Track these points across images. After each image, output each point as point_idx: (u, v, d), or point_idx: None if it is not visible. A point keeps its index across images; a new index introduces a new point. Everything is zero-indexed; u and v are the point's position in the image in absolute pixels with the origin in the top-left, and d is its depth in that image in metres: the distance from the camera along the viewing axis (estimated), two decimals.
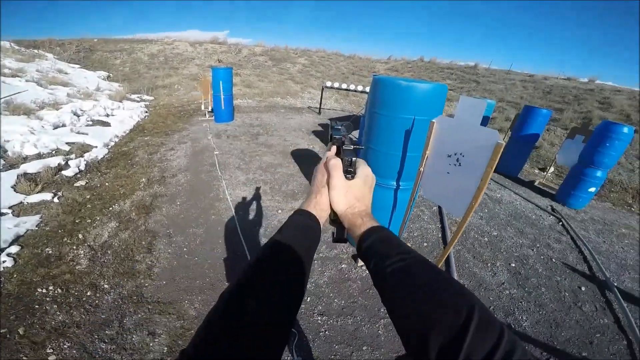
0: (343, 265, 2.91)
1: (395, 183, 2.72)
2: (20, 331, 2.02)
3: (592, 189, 4.76)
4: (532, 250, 3.56)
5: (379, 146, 2.63)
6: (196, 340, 0.36)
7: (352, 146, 0.65)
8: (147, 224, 3.33)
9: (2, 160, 4.00)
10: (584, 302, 2.83)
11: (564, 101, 9.98)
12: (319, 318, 2.34)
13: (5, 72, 8.13)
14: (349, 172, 0.61)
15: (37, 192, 3.56)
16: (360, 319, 2.35)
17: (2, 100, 5.81)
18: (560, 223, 4.34)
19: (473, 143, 2.01)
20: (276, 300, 0.42)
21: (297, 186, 4.46)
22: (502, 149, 1.82)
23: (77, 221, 3.25)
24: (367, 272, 0.44)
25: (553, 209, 4.78)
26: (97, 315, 2.22)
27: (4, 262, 2.53)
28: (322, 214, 0.59)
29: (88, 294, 2.39)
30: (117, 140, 5.83)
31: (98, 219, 3.33)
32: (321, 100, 10.46)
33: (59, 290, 2.38)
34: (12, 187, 3.55)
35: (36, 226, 3.08)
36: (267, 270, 0.46)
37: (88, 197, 3.71)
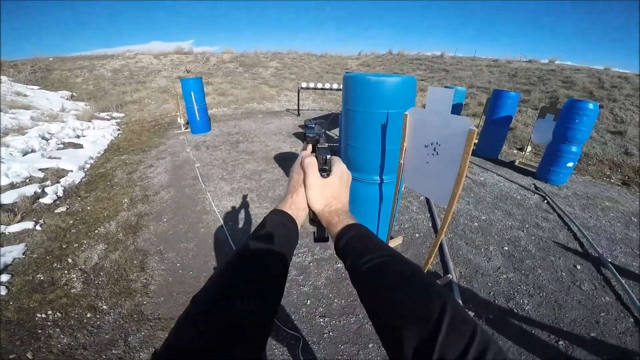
0: (339, 265, 2.99)
1: (378, 177, 2.79)
2: (29, 355, 2.03)
3: (570, 164, 5.04)
4: (522, 231, 3.69)
5: (358, 142, 2.69)
6: (168, 342, 0.36)
7: (327, 144, 0.66)
8: (136, 243, 3.31)
9: None
10: (582, 280, 2.89)
11: (529, 83, 10.49)
12: (322, 320, 2.40)
13: None
14: (324, 170, 0.62)
15: (17, 222, 3.46)
16: (362, 317, 2.41)
17: None
18: (546, 201, 4.55)
19: (447, 131, 2.09)
20: (248, 304, 0.41)
21: (284, 190, 4.50)
22: (475, 135, 1.92)
23: (63, 246, 3.20)
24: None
25: (536, 187, 5.03)
26: (101, 336, 2.23)
27: None
28: (298, 214, 0.59)
29: (88, 315, 2.39)
30: (92, 162, 5.68)
31: (85, 242, 3.28)
32: (299, 102, 10.52)
33: (59, 314, 2.37)
34: None
35: (23, 254, 3.03)
36: (239, 272, 0.45)
37: (71, 222, 3.64)
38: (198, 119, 7.41)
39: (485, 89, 10.73)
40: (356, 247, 0.50)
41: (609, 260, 3.16)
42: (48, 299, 2.53)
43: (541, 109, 5.77)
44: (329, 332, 2.30)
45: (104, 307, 2.49)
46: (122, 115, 9.95)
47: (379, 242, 0.50)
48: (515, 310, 2.52)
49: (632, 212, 4.36)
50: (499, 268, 3.03)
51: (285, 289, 0.49)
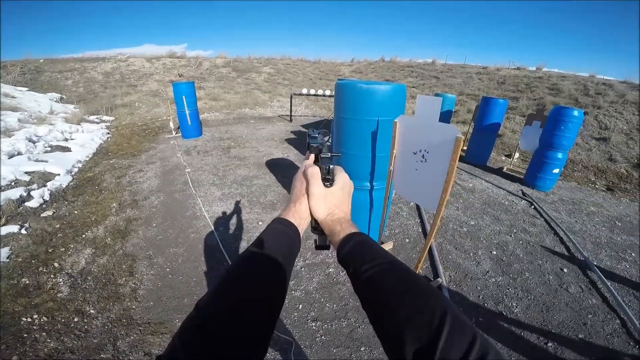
0: (330, 270, 2.99)
1: (369, 184, 2.83)
2: (15, 359, 1.98)
3: (556, 170, 5.15)
4: (510, 236, 3.75)
5: (349, 149, 2.72)
6: (172, 347, 0.36)
7: (330, 154, 0.66)
8: (124, 248, 3.26)
9: None
10: (569, 283, 2.95)
11: (517, 90, 10.71)
12: (314, 324, 2.39)
13: None
14: (327, 179, 0.62)
15: (2, 225, 3.38)
16: (354, 321, 2.42)
17: None
18: (533, 206, 4.63)
19: (434, 139, 2.13)
20: (252, 312, 0.41)
21: (276, 196, 4.51)
22: (461, 142, 1.96)
23: (49, 250, 3.14)
24: None
25: (524, 193, 5.12)
26: (89, 340, 2.19)
27: None
28: (301, 222, 0.60)
29: (75, 320, 2.35)
30: (80, 165, 5.59)
31: (72, 247, 3.22)
32: (291, 108, 10.55)
33: (45, 319, 2.33)
34: None
35: (7, 258, 2.95)
36: (244, 280, 0.45)
37: (58, 226, 3.57)
38: (189, 123, 7.38)
39: (475, 96, 10.92)
40: (358, 255, 0.51)
41: (595, 263, 3.23)
42: (34, 303, 2.47)
43: (528, 116, 5.90)
44: (322, 336, 2.30)
45: (92, 311, 2.45)
46: (112, 118, 9.85)
47: (380, 250, 0.51)
48: (505, 313, 2.55)
49: (616, 217, 4.46)
50: (487, 272, 3.06)
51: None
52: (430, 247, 3.30)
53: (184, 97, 7.01)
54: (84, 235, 3.43)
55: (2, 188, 4.14)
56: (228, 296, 0.42)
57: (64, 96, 11.59)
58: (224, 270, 0.47)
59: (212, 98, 12.25)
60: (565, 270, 3.15)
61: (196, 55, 18.26)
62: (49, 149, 5.97)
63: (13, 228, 3.35)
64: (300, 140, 7.73)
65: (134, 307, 2.52)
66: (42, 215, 3.75)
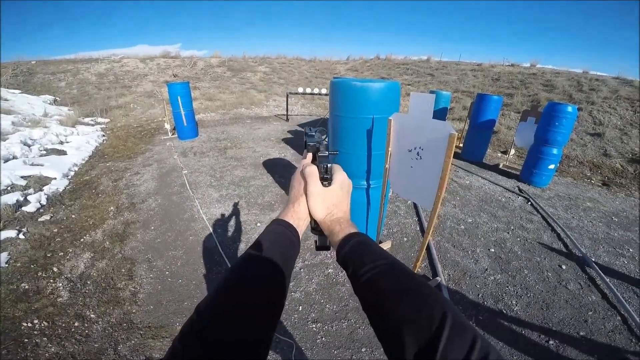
0: (330, 270, 3.00)
1: (365, 182, 2.83)
2: None
3: (552, 166, 5.19)
4: (508, 233, 3.77)
5: (345, 147, 2.71)
6: (173, 351, 0.36)
7: (327, 152, 0.65)
8: (123, 252, 3.25)
9: None
10: (568, 280, 2.95)
11: (512, 86, 10.75)
12: (314, 325, 2.40)
13: None
14: (325, 178, 0.61)
15: (0, 230, 3.36)
16: (354, 322, 2.43)
17: None
18: (529, 203, 4.65)
19: (429, 136, 2.13)
20: (252, 317, 0.41)
21: (273, 197, 4.51)
22: (455, 139, 1.97)
23: (48, 255, 3.13)
24: None
25: (520, 190, 5.15)
26: (90, 345, 2.19)
27: None
28: (300, 223, 0.59)
29: (76, 324, 2.35)
30: (76, 169, 5.56)
31: (70, 251, 3.21)
32: (287, 107, 10.52)
33: (45, 323, 2.33)
34: None
35: (6, 263, 2.94)
36: (243, 285, 0.45)
37: (56, 230, 3.55)
38: (185, 124, 7.34)
39: (470, 93, 10.94)
40: (357, 255, 0.51)
41: (593, 259, 3.26)
42: (34, 308, 2.47)
43: (523, 112, 5.93)
44: (322, 337, 2.30)
45: (92, 315, 2.44)
46: (107, 120, 9.78)
47: (380, 251, 0.51)
48: (505, 312, 2.56)
49: (612, 212, 4.51)
50: (486, 270, 3.08)
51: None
52: (428, 245, 3.32)
53: (179, 97, 6.97)
54: (82, 239, 3.42)
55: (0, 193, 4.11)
56: (228, 301, 0.42)
57: (57, 98, 11.49)
58: (224, 274, 0.47)
59: (207, 98, 12.19)
60: (563, 267, 3.17)
61: (190, 55, 18.15)
62: (44, 152, 5.93)
63: (11, 233, 3.33)
64: (297, 140, 7.72)
65: (134, 311, 2.52)
66: (39, 219, 3.73)
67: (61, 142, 6.72)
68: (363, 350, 2.20)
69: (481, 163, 6.63)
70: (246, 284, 0.45)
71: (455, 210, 4.30)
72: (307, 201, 0.60)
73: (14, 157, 5.28)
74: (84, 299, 2.60)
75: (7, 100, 9.83)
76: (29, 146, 5.94)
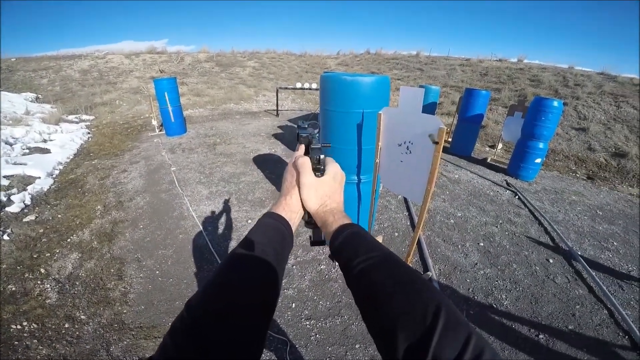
0: (322, 267, 3.00)
1: (356, 177, 2.82)
2: None
3: (538, 160, 5.29)
4: (497, 227, 3.82)
5: (335, 142, 2.70)
6: (164, 347, 0.36)
7: (320, 144, 0.66)
8: (112, 251, 3.20)
9: None
10: (555, 274, 3.00)
11: (499, 81, 10.88)
12: (307, 323, 2.40)
13: None
14: (318, 169, 0.62)
15: None
16: (347, 318, 2.43)
17: None
18: (517, 196, 4.73)
19: (418, 130, 2.12)
20: (246, 315, 0.40)
21: (264, 193, 4.49)
22: (444, 134, 1.98)
23: (34, 256, 3.06)
24: None
25: (508, 184, 5.24)
26: (81, 346, 2.16)
27: None
28: (292, 216, 0.58)
29: (66, 326, 2.31)
30: (61, 167, 5.42)
31: (57, 251, 3.15)
32: (277, 102, 10.45)
33: (35, 325, 2.29)
34: None
35: None
36: (236, 282, 0.43)
37: (41, 231, 3.47)
38: (173, 120, 7.23)
39: (458, 87, 11.04)
40: (350, 247, 0.50)
41: (579, 253, 3.33)
42: (22, 310, 2.42)
43: (510, 107, 6.01)
44: (316, 334, 2.31)
45: (82, 317, 2.41)
46: (91, 117, 9.56)
47: (373, 242, 0.50)
48: (495, 306, 2.60)
49: (597, 206, 4.62)
50: (476, 264, 3.12)
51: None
52: (419, 240, 3.34)
53: (166, 93, 6.85)
54: (69, 240, 3.35)
55: None
56: (219, 298, 0.41)
57: (39, 96, 11.17)
58: (215, 269, 0.45)
59: (195, 94, 12.02)
60: (551, 260, 3.23)
61: (177, 51, 17.86)
62: (27, 151, 5.77)
63: None
64: (288, 135, 7.68)
65: (125, 311, 2.48)
66: (24, 220, 3.63)
67: (45, 141, 6.55)
68: (357, 346, 2.21)
69: (470, 157, 6.71)
70: (238, 281, 0.43)
71: (445, 205, 4.35)
72: (299, 192, 0.59)
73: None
74: (74, 300, 2.56)
75: None
76: (11, 145, 5.78)
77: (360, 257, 0.46)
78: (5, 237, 3.27)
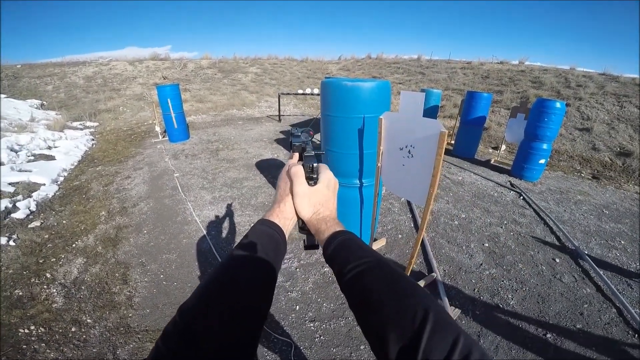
0: (325, 269, 3.00)
1: (358, 181, 2.82)
2: None
3: (542, 161, 5.27)
4: (501, 227, 3.80)
5: (337, 147, 2.72)
6: (156, 351, 0.36)
7: (313, 152, 0.66)
8: (116, 256, 3.21)
9: None
10: (562, 273, 2.98)
11: (501, 83, 10.88)
12: (312, 324, 2.39)
13: None
14: (311, 178, 0.62)
15: None
16: (352, 320, 2.42)
17: None
18: (521, 197, 4.71)
19: (419, 134, 2.13)
20: (235, 313, 0.41)
21: (267, 198, 4.49)
22: (445, 137, 1.98)
23: (40, 261, 3.08)
24: None
25: (512, 184, 5.22)
26: (88, 350, 2.17)
27: None
28: (286, 223, 0.59)
29: (73, 330, 2.33)
30: (66, 174, 5.47)
31: (63, 256, 3.17)
32: (279, 108, 10.50)
33: (42, 329, 2.31)
34: None
35: None
36: (225, 282, 0.44)
37: (47, 236, 3.49)
38: (176, 126, 7.28)
39: (460, 90, 11.05)
40: (343, 253, 0.51)
41: (586, 252, 3.30)
42: (29, 314, 2.44)
43: (512, 108, 6.00)
44: (320, 336, 2.30)
45: (89, 320, 2.42)
46: (96, 124, 9.64)
47: (365, 248, 0.51)
48: (501, 306, 2.58)
49: (603, 205, 4.59)
50: (481, 264, 3.11)
51: (274, 296, 0.48)
52: (423, 241, 3.33)
53: (169, 100, 6.91)
54: (74, 245, 3.37)
55: None
56: (213, 303, 0.41)
57: (44, 102, 11.28)
58: (208, 275, 0.46)
59: (198, 100, 12.10)
60: (557, 260, 3.21)
61: (180, 57, 18.01)
62: (32, 158, 5.82)
63: (1, 240, 3.26)
64: (290, 141, 7.69)
65: (130, 315, 2.49)
66: (29, 226, 3.66)
67: (49, 147, 6.60)
68: (362, 347, 2.20)
69: (473, 159, 6.70)
70: (230, 287, 0.44)
71: (449, 206, 4.33)
72: (293, 201, 0.60)
73: (1, 163, 5.17)
74: (80, 304, 2.57)
75: None
76: (16, 152, 5.83)
77: (352, 263, 0.48)
78: (12, 242, 3.30)
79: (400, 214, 4.08)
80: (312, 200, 0.60)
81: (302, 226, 0.63)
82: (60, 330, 2.32)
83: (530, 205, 4.44)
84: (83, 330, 2.34)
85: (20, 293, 2.66)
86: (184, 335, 0.37)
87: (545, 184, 5.33)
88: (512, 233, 3.69)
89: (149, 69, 15.04)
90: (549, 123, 4.94)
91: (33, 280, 2.82)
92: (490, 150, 7.53)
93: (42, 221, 3.81)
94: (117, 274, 2.94)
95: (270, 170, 5.56)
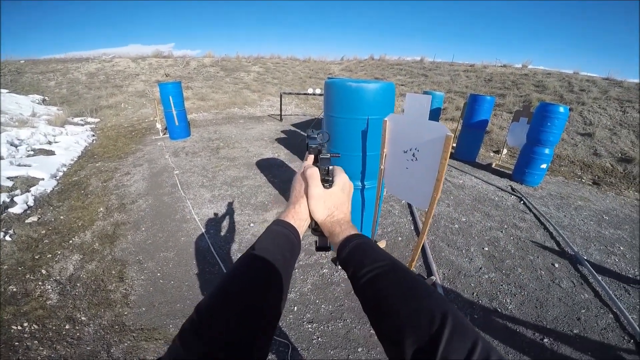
0: (324, 270, 2.98)
1: (360, 183, 2.81)
2: None
3: (544, 166, 5.24)
4: (501, 232, 3.79)
5: (339, 148, 2.66)
6: (173, 348, 0.37)
7: (329, 154, 0.65)
8: (113, 253, 3.19)
9: None
10: (561, 278, 2.98)
11: (504, 87, 10.85)
12: (310, 326, 2.38)
13: None
14: (327, 180, 0.62)
15: None
16: (350, 321, 2.41)
17: None
18: (522, 202, 4.69)
19: (424, 137, 2.12)
20: (255, 319, 0.41)
21: (267, 197, 4.47)
22: (451, 141, 1.97)
23: (36, 257, 3.06)
24: None
25: (513, 189, 5.19)
26: (82, 348, 2.15)
27: None
28: (300, 224, 0.59)
29: (67, 327, 2.30)
30: (65, 169, 5.45)
31: (59, 253, 3.15)
32: (281, 107, 10.48)
33: (35, 326, 2.28)
34: None
35: None
36: (246, 286, 0.44)
37: (43, 232, 3.47)
38: (177, 124, 7.25)
39: (462, 93, 11.02)
40: (358, 257, 0.51)
41: (585, 257, 3.29)
42: (23, 310, 2.42)
43: (515, 112, 5.97)
44: (318, 337, 2.28)
45: (83, 318, 2.40)
46: (97, 120, 9.63)
47: (380, 252, 0.51)
48: (499, 310, 2.57)
49: (603, 211, 4.56)
50: (480, 268, 3.09)
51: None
52: (423, 244, 3.31)
53: (170, 97, 6.89)
54: (71, 241, 3.35)
55: None
56: (228, 302, 0.41)
57: (46, 98, 11.29)
58: (226, 273, 0.47)
59: (200, 98, 12.09)
60: (556, 265, 3.19)
61: (183, 55, 17.99)
62: (31, 152, 5.81)
63: None
64: (291, 140, 7.69)
65: (125, 313, 2.47)
66: (26, 221, 3.64)
67: (49, 142, 6.59)
68: (359, 350, 2.18)
69: (474, 162, 6.67)
70: (247, 286, 0.44)
71: (449, 210, 4.31)
72: (308, 203, 0.60)
73: (1, 158, 5.16)
74: (74, 302, 2.55)
75: None
76: (16, 146, 5.82)
77: (367, 267, 0.48)
78: (7, 237, 3.28)
79: (401, 217, 4.06)
80: (327, 203, 0.60)
81: (315, 227, 0.63)
82: (54, 328, 2.30)
83: (530, 210, 4.42)
84: (77, 328, 2.31)
85: (14, 289, 2.63)
86: (200, 333, 0.37)
87: (546, 189, 5.30)
88: (512, 237, 3.67)
89: (152, 66, 15.04)
90: (552, 128, 4.91)
91: (28, 276, 2.80)
92: (492, 154, 7.50)
93: (39, 216, 3.79)
94: (113, 272, 2.92)
95: (271, 169, 5.54)
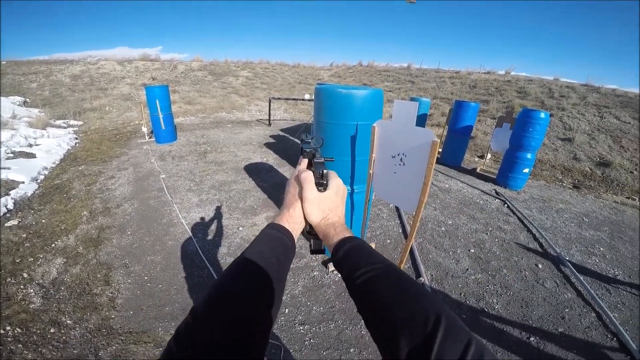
0: (315, 273, 2.98)
1: (349, 187, 2.84)
2: None
3: (526, 170, 5.39)
4: (486, 234, 3.86)
5: (329, 154, 2.70)
6: (169, 351, 0.37)
7: (323, 158, 0.67)
8: (98, 257, 3.12)
9: None
10: (545, 279, 3.06)
11: (488, 93, 11.13)
12: (301, 328, 2.38)
13: None
14: (321, 184, 0.62)
15: None
16: (341, 323, 2.42)
17: None
18: (506, 205, 4.81)
19: (412, 143, 2.16)
20: (250, 323, 0.41)
21: (255, 201, 4.45)
22: (437, 146, 2.03)
23: (17, 261, 2.97)
24: (340, 276, 0.49)
25: (497, 193, 5.31)
26: (68, 351, 2.10)
27: None
28: (295, 227, 0.59)
29: (52, 331, 2.24)
30: (46, 173, 5.30)
31: (41, 256, 3.06)
32: (270, 112, 10.47)
33: (19, 330, 2.22)
34: None
35: None
36: (240, 291, 0.44)
37: (24, 235, 3.37)
38: (163, 127, 7.16)
39: (448, 99, 11.25)
40: (352, 259, 0.51)
41: (567, 258, 3.39)
42: (5, 314, 2.35)
43: (498, 118, 6.13)
44: (310, 339, 2.28)
45: (68, 321, 2.34)
46: (80, 123, 9.42)
47: (375, 254, 0.52)
48: (486, 310, 2.62)
49: (583, 213, 4.72)
50: (467, 270, 3.14)
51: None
52: (411, 247, 3.35)
53: (157, 100, 6.80)
54: (53, 245, 3.26)
55: None
56: (224, 306, 0.41)
57: (27, 100, 10.98)
58: (220, 276, 0.46)
59: (187, 102, 11.97)
60: (540, 265, 3.28)
61: (171, 59, 17.85)
62: (11, 155, 5.63)
63: None
64: (279, 144, 7.69)
65: (113, 316, 2.42)
66: (6, 224, 3.52)
67: (30, 145, 6.41)
68: (351, 350, 2.19)
69: (459, 167, 6.80)
70: (241, 289, 0.44)
71: (436, 213, 4.38)
72: (302, 206, 0.61)
73: None
74: (59, 305, 2.48)
75: None
76: None
77: (362, 268, 0.48)
78: None
79: (389, 220, 4.10)
80: (321, 206, 0.61)
81: (310, 230, 0.63)
82: (39, 331, 2.24)
83: (514, 213, 4.53)
84: (63, 331, 2.26)
85: None
86: (195, 336, 0.38)
87: (528, 193, 5.45)
88: (497, 239, 3.75)
89: (138, 70, 14.83)
90: (534, 133, 5.06)
91: (9, 280, 2.71)
92: (476, 159, 7.66)
93: (19, 220, 3.68)
94: (98, 275, 2.85)
95: (260, 173, 5.52)
